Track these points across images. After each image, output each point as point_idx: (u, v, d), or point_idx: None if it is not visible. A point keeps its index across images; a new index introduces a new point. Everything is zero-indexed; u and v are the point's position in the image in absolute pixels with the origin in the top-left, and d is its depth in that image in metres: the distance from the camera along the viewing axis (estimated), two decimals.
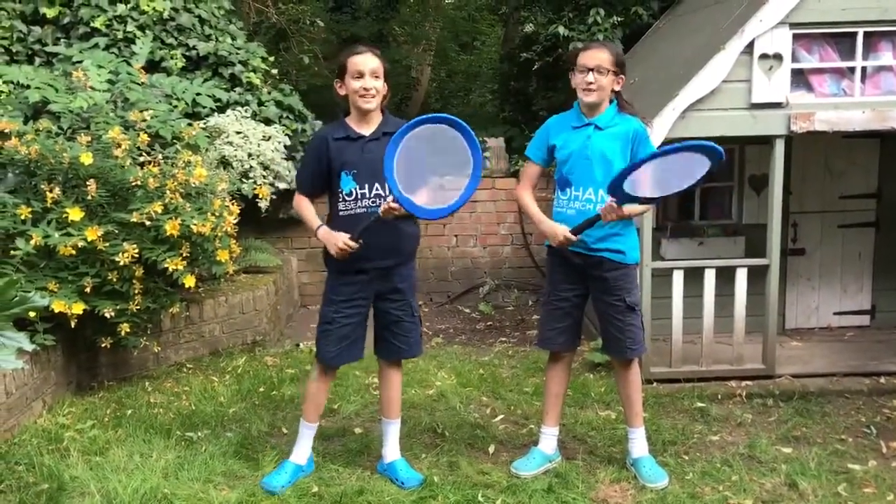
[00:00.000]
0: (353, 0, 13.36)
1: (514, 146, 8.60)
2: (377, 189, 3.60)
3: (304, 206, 3.78)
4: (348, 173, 3.62)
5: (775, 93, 4.91)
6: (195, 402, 4.88)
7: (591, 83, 3.68)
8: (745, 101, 4.90)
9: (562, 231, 3.71)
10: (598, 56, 3.68)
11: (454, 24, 16.63)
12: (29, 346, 3.68)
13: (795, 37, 4.92)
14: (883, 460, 4.14)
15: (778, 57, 4.88)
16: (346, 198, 3.63)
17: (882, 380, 5.22)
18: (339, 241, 3.54)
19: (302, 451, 3.93)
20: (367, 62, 3.55)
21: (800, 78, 4.99)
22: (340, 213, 3.66)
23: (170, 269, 4.78)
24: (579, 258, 3.82)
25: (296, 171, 6.39)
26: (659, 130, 4.86)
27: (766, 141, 5.04)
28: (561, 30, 7.63)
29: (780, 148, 5.00)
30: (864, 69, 4.99)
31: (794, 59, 4.95)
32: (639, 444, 4.00)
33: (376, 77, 3.57)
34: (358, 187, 3.62)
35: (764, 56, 4.87)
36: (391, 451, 3.96)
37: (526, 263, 7.90)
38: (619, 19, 7.60)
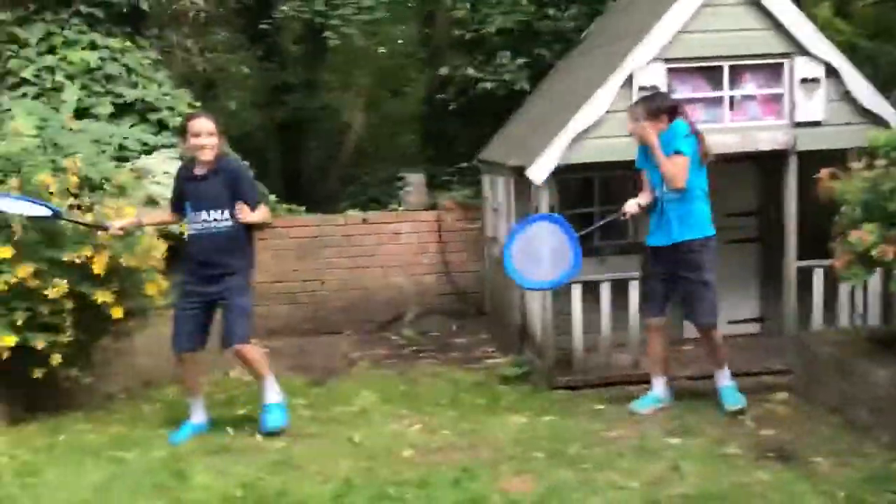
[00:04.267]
0: (282, 50, 13.78)
1: (435, 182, 9.09)
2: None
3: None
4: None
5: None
6: (126, 428, 5.11)
7: None
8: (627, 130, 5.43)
9: None
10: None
11: (383, 71, 17.21)
12: None
13: (670, 70, 5.50)
14: (755, 442, 4.60)
15: (654, 88, 5.43)
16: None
17: (766, 378, 5.72)
18: None
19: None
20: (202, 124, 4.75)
21: None
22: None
23: (99, 301, 5.05)
24: None
25: None
26: (552, 157, 5.35)
27: None
28: (471, 71, 8.17)
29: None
30: (731, 98, 5.59)
31: (670, 90, 5.51)
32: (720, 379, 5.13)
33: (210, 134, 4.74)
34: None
35: (642, 88, 5.43)
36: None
37: (448, 291, 8.32)
38: (524, 60, 8.18)
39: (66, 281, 4.92)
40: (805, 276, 5.75)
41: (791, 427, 4.80)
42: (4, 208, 4.74)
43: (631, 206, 5.08)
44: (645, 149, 5.00)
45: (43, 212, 4.80)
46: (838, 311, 5.73)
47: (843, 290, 5.68)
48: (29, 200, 4.80)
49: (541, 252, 4.95)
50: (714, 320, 5.11)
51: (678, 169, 4.79)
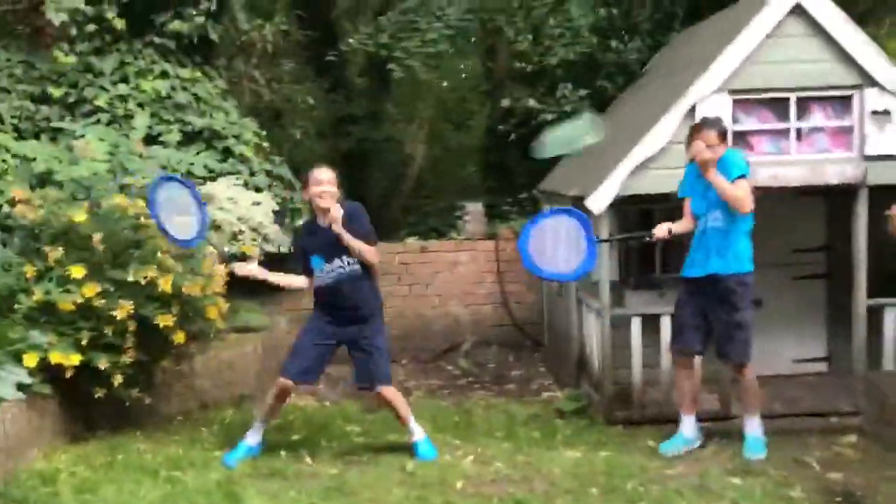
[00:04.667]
0: (347, 82, 14.04)
1: (494, 212, 9.09)
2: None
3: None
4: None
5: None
6: (183, 449, 5.17)
7: None
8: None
9: None
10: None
11: (446, 104, 17.38)
12: (28, 379, 4.08)
13: (735, 102, 5.41)
14: (821, 486, 4.42)
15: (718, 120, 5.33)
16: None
17: (833, 419, 5.51)
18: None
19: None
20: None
21: (741, 139, 5.44)
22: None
23: (161, 325, 5.15)
24: None
25: (283, 235, 7.01)
26: (612, 187, 5.30)
27: None
28: (532, 103, 8.18)
29: None
30: (798, 130, 5.46)
31: (735, 121, 5.42)
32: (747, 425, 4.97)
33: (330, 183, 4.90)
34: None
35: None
36: None
37: (505, 321, 8.26)
38: (585, 92, 8.16)
39: (131, 302, 5.03)
40: (875, 315, 5.55)
41: (859, 471, 4.62)
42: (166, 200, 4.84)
43: (661, 229, 4.94)
44: (693, 175, 4.90)
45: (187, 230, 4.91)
46: None
47: None
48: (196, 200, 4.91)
49: (557, 245, 4.81)
50: (746, 359, 4.92)
51: (745, 193, 4.66)
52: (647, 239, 5.06)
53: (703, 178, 4.77)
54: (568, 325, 6.58)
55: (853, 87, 5.43)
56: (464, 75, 16.83)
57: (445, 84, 17.42)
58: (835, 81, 5.43)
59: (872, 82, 5.39)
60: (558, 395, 6.49)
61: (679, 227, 4.98)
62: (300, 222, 7.68)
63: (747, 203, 4.68)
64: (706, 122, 4.83)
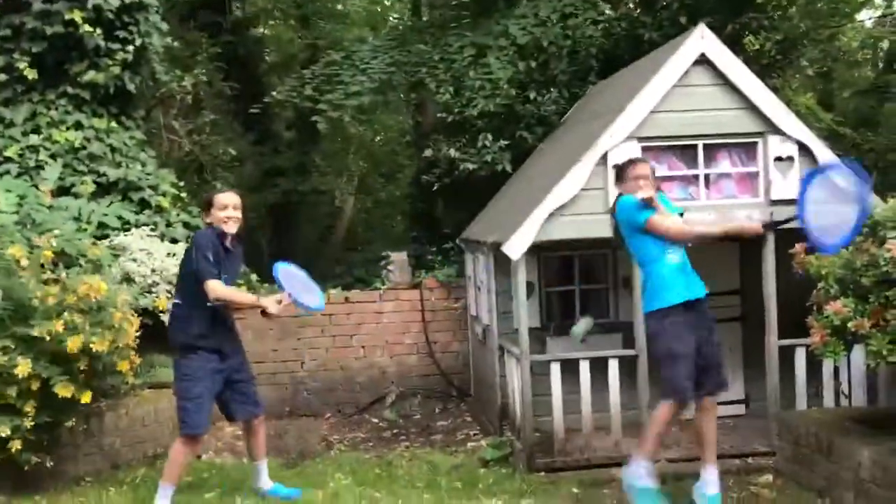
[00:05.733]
0: (275, 134, 14.02)
1: (420, 262, 9.08)
2: None
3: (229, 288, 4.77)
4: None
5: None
6: None
7: None
8: (603, 207, 5.43)
9: None
10: None
11: (375, 157, 17.49)
12: None
13: (644, 149, 5.54)
14: None
15: None
16: None
17: (750, 460, 5.57)
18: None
19: None
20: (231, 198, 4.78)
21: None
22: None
23: (61, 395, 4.94)
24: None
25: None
26: (528, 233, 5.35)
27: None
28: (453, 153, 8.27)
29: None
30: (707, 176, 5.62)
31: None
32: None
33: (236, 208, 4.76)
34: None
35: (616, 166, 5.44)
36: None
37: (432, 371, 8.20)
38: (505, 143, 8.29)
39: (29, 360, 4.80)
40: (788, 355, 5.67)
41: None
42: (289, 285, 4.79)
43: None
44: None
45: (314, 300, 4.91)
46: (822, 391, 5.62)
47: (826, 368, 5.59)
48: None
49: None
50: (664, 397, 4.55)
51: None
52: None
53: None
54: (491, 372, 6.56)
55: (757, 134, 5.63)
56: (391, 128, 17.00)
57: (378, 138, 17.58)
58: (740, 129, 5.63)
59: (776, 130, 5.60)
60: (483, 444, 6.42)
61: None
62: None
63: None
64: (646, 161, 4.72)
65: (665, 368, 4.42)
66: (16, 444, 4.86)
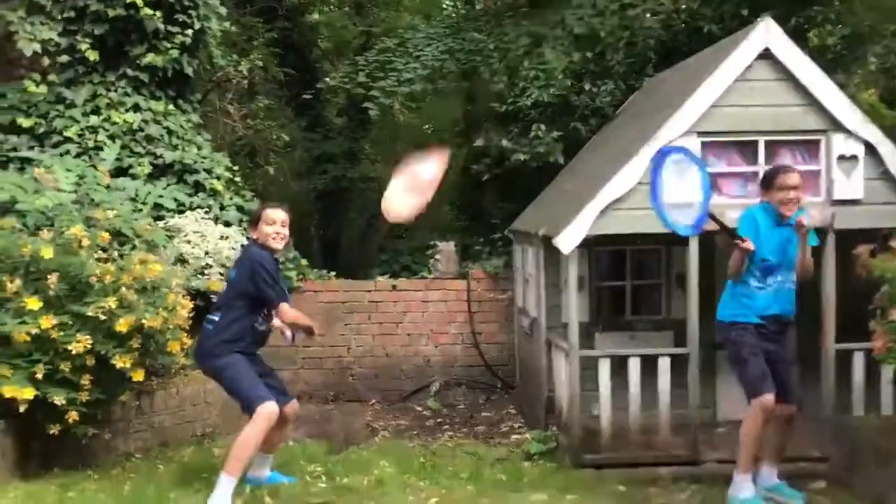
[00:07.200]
0: (326, 121, 14.09)
1: (468, 252, 9.06)
2: None
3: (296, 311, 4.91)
4: None
5: (687, 194, 5.33)
6: (138, 487, 5.01)
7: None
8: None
9: None
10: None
11: (424, 145, 17.46)
12: None
13: (704, 144, 5.43)
14: None
15: None
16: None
17: (802, 465, 5.44)
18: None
19: None
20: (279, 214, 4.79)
21: (710, 180, 5.43)
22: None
23: (118, 366, 5.03)
24: None
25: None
26: (580, 227, 5.28)
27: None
28: (505, 143, 8.20)
29: (694, 246, 5.40)
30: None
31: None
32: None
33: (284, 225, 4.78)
34: None
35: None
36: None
37: (476, 362, 8.18)
38: (558, 134, 8.19)
39: (88, 337, 4.91)
40: (845, 359, 5.52)
41: None
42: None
43: (749, 244, 4.53)
44: (769, 226, 4.62)
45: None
46: (881, 397, 5.47)
47: (886, 373, 5.43)
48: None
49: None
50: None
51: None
52: (736, 242, 4.56)
53: (786, 239, 4.61)
54: (538, 366, 6.51)
55: (820, 131, 5.47)
56: (442, 117, 16.96)
57: (427, 126, 17.56)
58: (803, 126, 5.47)
59: (840, 127, 5.44)
60: (527, 437, 6.38)
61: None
62: None
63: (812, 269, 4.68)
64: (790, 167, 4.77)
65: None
66: (72, 416, 4.98)
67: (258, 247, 4.81)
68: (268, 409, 4.61)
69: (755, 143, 5.47)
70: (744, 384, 4.64)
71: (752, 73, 5.44)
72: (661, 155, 4.80)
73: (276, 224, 4.75)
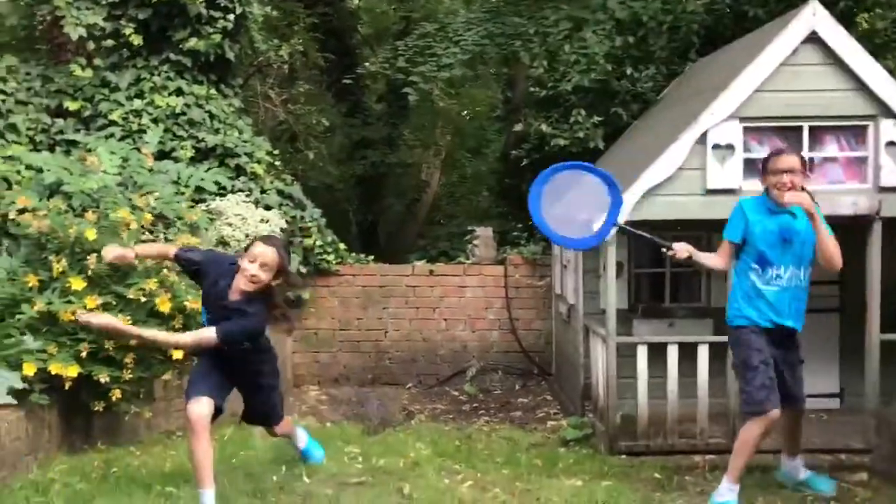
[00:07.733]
0: (365, 106, 14.14)
1: (506, 238, 9.04)
2: None
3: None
4: None
5: (729, 180, 5.29)
6: (179, 464, 5.11)
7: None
8: (700, 188, 5.28)
9: None
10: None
11: (463, 131, 17.44)
12: (19, 384, 4.03)
13: (746, 129, 5.34)
14: None
15: (730, 147, 5.28)
16: None
17: (843, 457, 5.37)
18: None
19: None
20: None
21: (752, 167, 5.36)
22: None
23: None
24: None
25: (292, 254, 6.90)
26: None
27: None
28: (545, 128, 8.16)
29: None
30: (811, 160, 5.38)
31: (746, 149, 5.35)
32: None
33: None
34: None
35: (717, 146, 5.28)
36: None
37: (513, 348, 8.18)
38: (599, 119, 8.12)
39: (129, 317, 5.01)
40: (889, 350, 5.41)
41: None
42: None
43: (682, 249, 4.30)
44: (761, 222, 4.34)
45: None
46: None
47: None
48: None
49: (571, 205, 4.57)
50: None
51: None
52: (664, 251, 4.39)
53: (784, 228, 4.32)
54: (574, 352, 6.49)
55: (868, 117, 5.35)
56: (482, 103, 16.90)
57: (465, 112, 17.52)
58: (849, 111, 5.36)
59: (889, 113, 5.31)
60: (563, 423, 6.38)
61: (707, 260, 4.45)
62: (309, 242, 7.70)
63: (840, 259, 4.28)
64: (786, 150, 4.43)
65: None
66: (116, 393, 5.11)
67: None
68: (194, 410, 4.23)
69: (800, 128, 5.37)
70: (745, 395, 4.33)
71: (797, 57, 5.33)
72: (552, 171, 4.66)
73: (255, 262, 4.02)
